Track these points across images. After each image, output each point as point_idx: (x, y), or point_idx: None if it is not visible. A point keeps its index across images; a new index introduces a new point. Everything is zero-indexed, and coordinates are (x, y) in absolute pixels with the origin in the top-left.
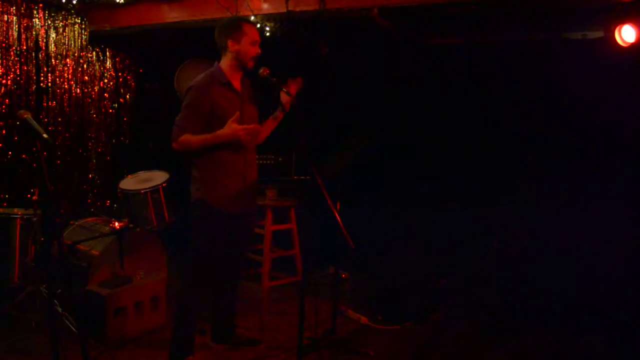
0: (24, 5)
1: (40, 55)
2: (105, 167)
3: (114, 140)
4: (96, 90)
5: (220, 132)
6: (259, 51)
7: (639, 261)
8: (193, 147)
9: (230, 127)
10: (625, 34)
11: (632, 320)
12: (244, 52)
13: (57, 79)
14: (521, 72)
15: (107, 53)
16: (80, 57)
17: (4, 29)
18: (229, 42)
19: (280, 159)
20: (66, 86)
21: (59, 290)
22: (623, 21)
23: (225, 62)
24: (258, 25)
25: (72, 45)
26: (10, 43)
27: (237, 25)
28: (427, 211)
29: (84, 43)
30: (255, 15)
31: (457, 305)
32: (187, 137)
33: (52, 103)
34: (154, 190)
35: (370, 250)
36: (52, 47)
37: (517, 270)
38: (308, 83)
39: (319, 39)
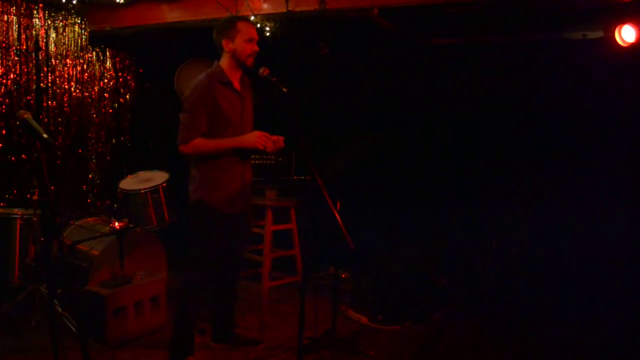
0: (24, 5)
1: (40, 55)
2: (105, 167)
3: (114, 140)
4: (96, 90)
5: (243, 140)
6: (256, 49)
7: (639, 261)
8: (207, 151)
9: (255, 136)
10: (625, 34)
11: (633, 320)
12: (240, 50)
13: (57, 79)
14: (521, 72)
15: (107, 53)
16: (80, 57)
17: (4, 29)
18: (224, 42)
19: (280, 159)
20: (66, 86)
21: (59, 290)
22: (623, 21)
23: (224, 62)
24: (258, 25)
25: (72, 45)
26: (10, 43)
27: (231, 24)
28: (427, 211)
29: (84, 43)
30: (255, 15)
31: (457, 305)
32: (201, 141)
33: (52, 103)
34: (154, 190)
35: (370, 250)
36: (52, 47)
37: (517, 270)
38: (308, 83)
39: (319, 39)
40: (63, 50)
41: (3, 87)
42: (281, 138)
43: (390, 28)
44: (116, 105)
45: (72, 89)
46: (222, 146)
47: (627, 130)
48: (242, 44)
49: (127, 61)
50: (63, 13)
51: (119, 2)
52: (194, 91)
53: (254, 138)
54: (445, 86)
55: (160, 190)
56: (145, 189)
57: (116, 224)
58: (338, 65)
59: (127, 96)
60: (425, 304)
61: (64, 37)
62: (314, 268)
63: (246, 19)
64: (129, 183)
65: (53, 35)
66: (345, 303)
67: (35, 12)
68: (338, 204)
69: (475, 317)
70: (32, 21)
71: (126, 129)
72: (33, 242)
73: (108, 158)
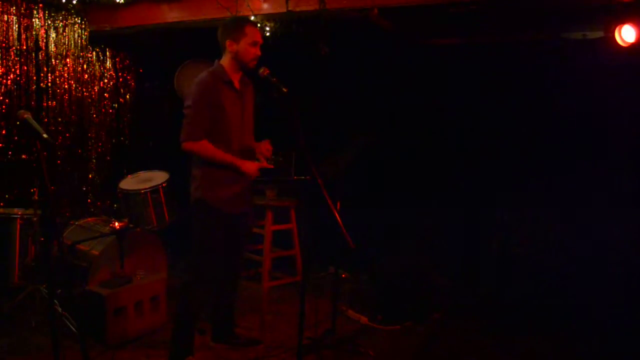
0: (24, 5)
1: (40, 55)
2: (105, 167)
3: (114, 140)
4: (96, 90)
5: (244, 166)
6: (259, 53)
7: (639, 260)
8: (208, 156)
9: (254, 168)
10: (625, 34)
11: (633, 320)
12: (242, 53)
13: (57, 79)
14: (521, 72)
15: (107, 53)
16: (80, 57)
17: (4, 29)
18: (228, 42)
19: (280, 159)
20: (66, 86)
21: (59, 290)
22: (623, 21)
23: (225, 61)
24: (258, 25)
25: (72, 45)
26: (10, 43)
27: (238, 25)
28: (428, 211)
29: (84, 43)
30: (255, 15)
31: (457, 305)
32: (207, 145)
33: (52, 103)
34: (154, 190)
35: (370, 250)
36: (52, 47)
37: (518, 270)
38: (308, 83)
39: (319, 39)
40: (63, 50)
41: (3, 87)
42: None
43: (390, 28)
44: (116, 105)
45: (72, 89)
46: (223, 159)
47: (627, 130)
48: (245, 47)
49: (127, 61)
50: (63, 13)
51: (119, 2)
52: (198, 88)
53: (254, 170)
54: (445, 86)
55: (160, 190)
56: (145, 189)
57: (116, 224)
58: (338, 65)
59: (127, 96)
60: (425, 304)
61: (64, 37)
62: (314, 268)
63: (253, 22)
64: (129, 183)
65: (53, 35)
66: (345, 303)
67: (35, 12)
68: (338, 204)
69: (475, 317)
70: (32, 21)
71: (126, 129)
72: (33, 242)
73: (108, 158)
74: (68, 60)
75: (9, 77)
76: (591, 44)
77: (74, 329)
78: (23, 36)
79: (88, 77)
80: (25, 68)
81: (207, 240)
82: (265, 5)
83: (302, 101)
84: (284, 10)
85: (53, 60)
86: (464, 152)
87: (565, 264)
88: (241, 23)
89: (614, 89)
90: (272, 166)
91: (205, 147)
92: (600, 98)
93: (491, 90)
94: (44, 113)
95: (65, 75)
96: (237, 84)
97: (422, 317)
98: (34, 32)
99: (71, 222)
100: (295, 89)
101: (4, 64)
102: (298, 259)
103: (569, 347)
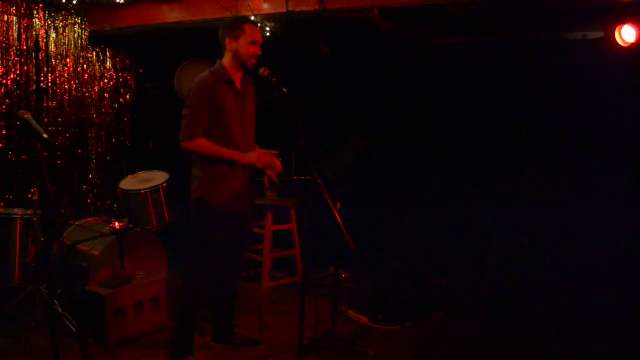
0: (24, 5)
1: (40, 55)
2: (105, 167)
3: (114, 140)
4: (96, 90)
5: (245, 159)
6: (258, 52)
7: (638, 260)
8: (208, 153)
9: (255, 156)
10: (625, 34)
11: (633, 320)
12: (242, 51)
13: (57, 79)
14: (521, 72)
15: (107, 53)
16: (80, 57)
17: (4, 29)
18: (227, 40)
19: (280, 159)
20: (66, 86)
21: (59, 290)
22: (623, 21)
23: (226, 61)
24: (258, 25)
25: (72, 45)
26: (10, 43)
27: (237, 24)
28: (427, 211)
29: (84, 43)
30: (255, 15)
31: (457, 305)
32: (204, 142)
33: (52, 103)
34: (154, 190)
35: (370, 250)
36: (52, 47)
37: (517, 270)
38: (308, 83)
39: (319, 39)
40: (63, 50)
41: (3, 87)
42: (278, 163)
43: (390, 28)
44: (116, 105)
45: (72, 89)
46: (223, 154)
47: (627, 130)
48: (244, 45)
49: (127, 61)
50: (63, 13)
51: (119, 2)
52: (197, 88)
53: (255, 157)
54: (445, 86)
55: (160, 190)
56: (145, 189)
57: (116, 224)
58: (338, 65)
59: (127, 96)
60: (425, 304)
61: (64, 37)
62: (314, 268)
63: (253, 22)
64: (129, 183)
65: (53, 35)
66: (345, 303)
67: (35, 12)
68: (338, 204)
69: (475, 317)
70: (32, 21)
71: (126, 129)
72: (33, 242)
73: (108, 158)
74: (68, 60)
75: (9, 77)
76: (591, 44)
77: (74, 329)
78: (23, 36)
79: (88, 77)
80: (25, 68)
81: (207, 240)
82: (265, 5)
83: (302, 101)
84: (284, 10)
85: (53, 60)
86: (464, 151)
87: (565, 264)
88: (240, 21)
89: (614, 89)
90: (267, 185)
91: (202, 145)
92: (600, 98)
93: (491, 90)
94: (44, 113)
95: (65, 75)
96: (238, 84)
97: (422, 317)
98: (34, 32)
99: (71, 222)
100: (295, 89)
101: (4, 64)
102: (298, 259)
103: (569, 347)
